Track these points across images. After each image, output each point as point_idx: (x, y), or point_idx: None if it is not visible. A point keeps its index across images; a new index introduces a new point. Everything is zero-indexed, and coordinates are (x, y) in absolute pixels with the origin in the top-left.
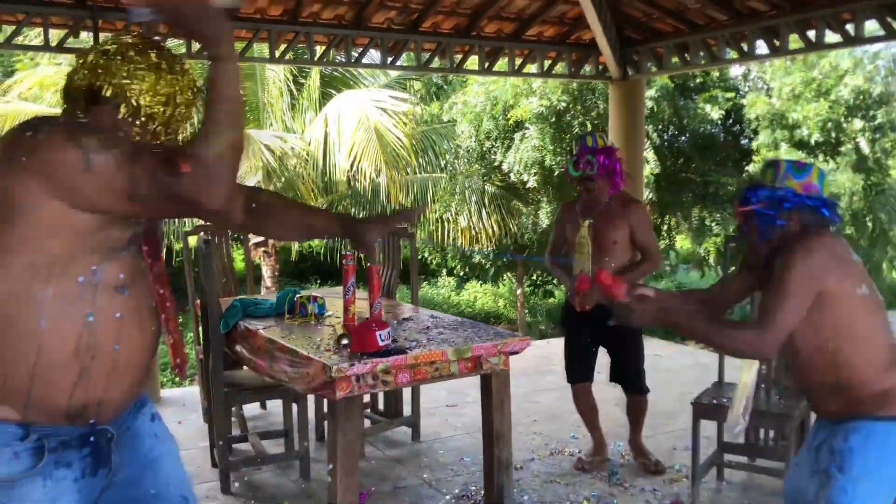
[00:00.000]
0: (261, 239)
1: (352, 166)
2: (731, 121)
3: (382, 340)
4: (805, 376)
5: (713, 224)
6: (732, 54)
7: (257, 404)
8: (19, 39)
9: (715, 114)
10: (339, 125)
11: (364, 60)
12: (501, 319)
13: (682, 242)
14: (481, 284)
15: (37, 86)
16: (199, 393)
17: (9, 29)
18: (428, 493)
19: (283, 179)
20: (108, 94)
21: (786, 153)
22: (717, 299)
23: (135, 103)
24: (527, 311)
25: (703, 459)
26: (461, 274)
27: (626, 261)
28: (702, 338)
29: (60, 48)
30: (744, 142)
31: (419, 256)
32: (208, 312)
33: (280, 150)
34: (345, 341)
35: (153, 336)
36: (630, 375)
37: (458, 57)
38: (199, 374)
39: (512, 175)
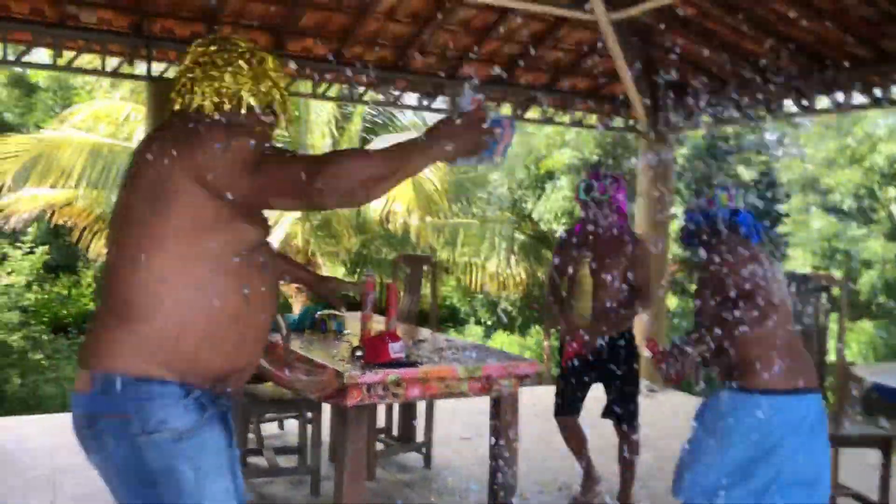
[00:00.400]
0: None
1: (384, 207)
2: (763, 184)
3: (395, 353)
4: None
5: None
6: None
7: (275, 424)
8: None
9: (748, 175)
10: None
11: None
12: (528, 376)
13: None
14: (508, 335)
15: (91, 117)
16: None
17: (69, 55)
18: None
19: (319, 217)
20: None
21: (817, 217)
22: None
23: (249, 102)
24: (553, 364)
25: None
26: (489, 323)
27: (622, 297)
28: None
29: (116, 74)
30: (776, 205)
31: (448, 302)
32: None
33: None
34: (359, 353)
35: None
36: (625, 411)
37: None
38: None
39: (542, 223)
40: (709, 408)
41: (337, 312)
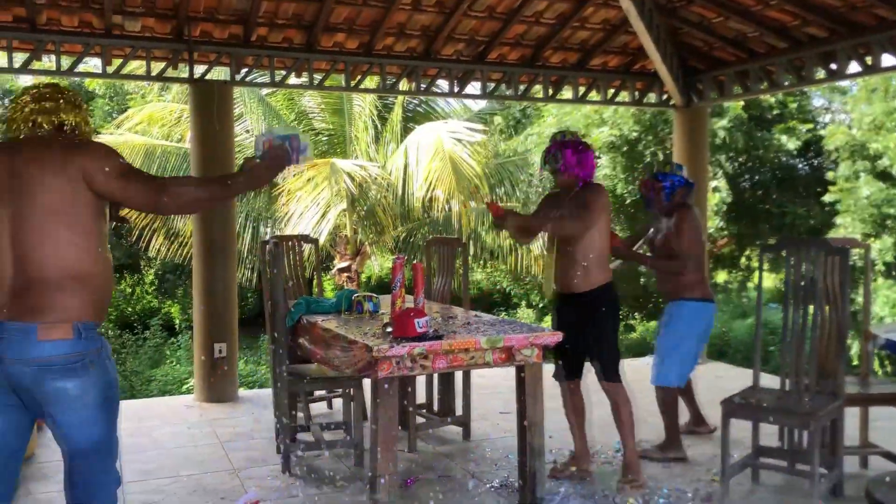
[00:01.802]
0: (345, 264)
1: (427, 194)
2: (810, 152)
3: (420, 327)
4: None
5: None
6: (790, 80)
7: (324, 404)
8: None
9: (792, 145)
10: (417, 155)
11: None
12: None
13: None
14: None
15: (146, 120)
16: (272, 391)
17: (117, 62)
18: (470, 482)
19: (365, 207)
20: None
21: (866, 184)
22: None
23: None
24: None
25: (736, 461)
26: (540, 306)
27: (595, 249)
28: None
29: (161, 78)
30: (823, 173)
31: (499, 286)
32: (275, 306)
33: (360, 177)
34: (388, 329)
35: None
36: (597, 361)
37: (524, 87)
38: (272, 373)
39: None
40: (673, 315)
41: (372, 294)
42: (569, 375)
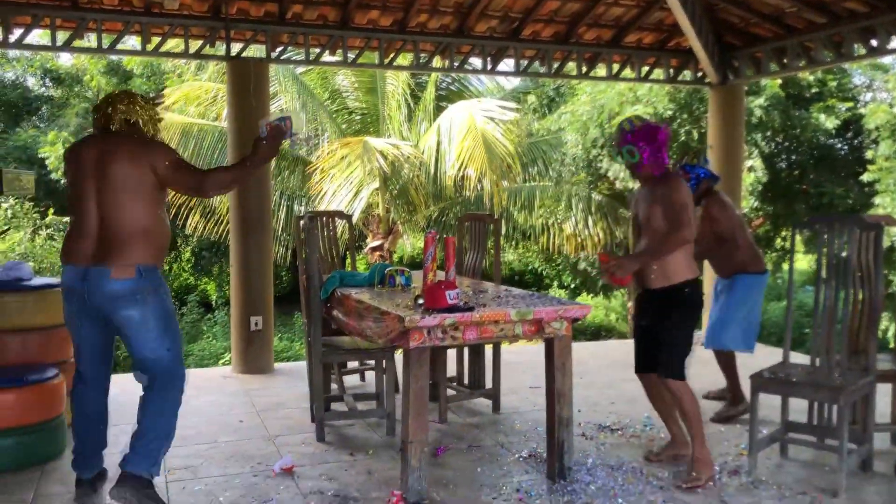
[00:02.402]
0: (377, 243)
1: (459, 173)
2: (849, 131)
3: (451, 299)
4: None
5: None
6: (829, 56)
7: (357, 376)
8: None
9: (830, 124)
10: (450, 134)
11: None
12: (613, 333)
13: (798, 262)
14: (592, 297)
15: (183, 99)
16: (307, 365)
17: (156, 40)
18: (499, 452)
19: (398, 186)
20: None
21: None
22: None
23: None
24: None
25: (765, 435)
26: (572, 286)
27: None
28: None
29: (198, 55)
30: (862, 152)
31: (531, 266)
32: (309, 279)
33: (393, 155)
34: (420, 301)
35: None
36: (660, 357)
37: (557, 64)
38: (307, 347)
39: (618, 182)
40: (735, 286)
41: (404, 268)
42: (644, 369)
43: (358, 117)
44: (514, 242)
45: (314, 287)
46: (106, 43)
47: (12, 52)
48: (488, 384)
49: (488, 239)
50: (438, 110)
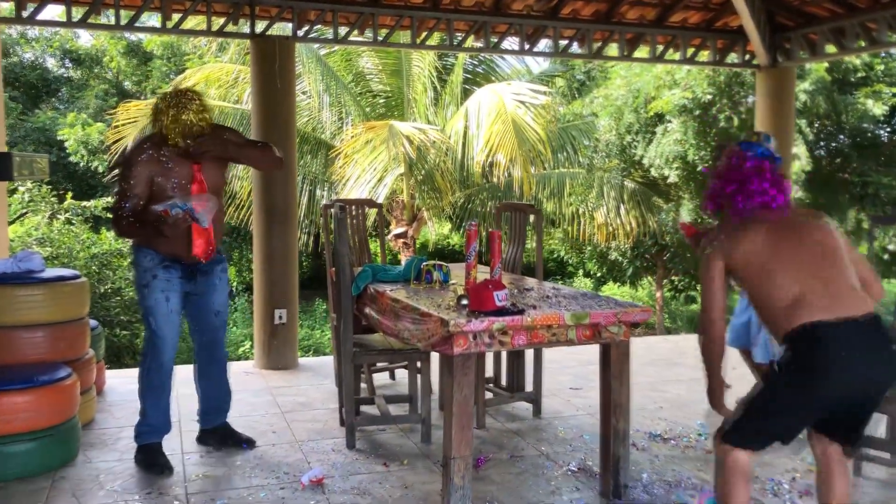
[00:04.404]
0: (401, 230)
1: (487, 159)
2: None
3: (500, 301)
4: None
5: (875, 229)
6: (893, 38)
7: (387, 374)
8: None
9: (878, 110)
10: (478, 118)
11: (503, 48)
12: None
13: None
14: (619, 286)
15: (203, 81)
16: (333, 361)
17: (176, 17)
18: (544, 464)
19: (423, 172)
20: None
21: None
22: None
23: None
24: (666, 316)
25: None
26: (598, 275)
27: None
28: None
29: (221, 33)
30: None
31: (555, 255)
32: (340, 273)
33: (419, 140)
34: (464, 301)
35: None
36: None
37: (598, 45)
38: (333, 343)
39: (652, 170)
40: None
41: (442, 263)
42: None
43: (382, 100)
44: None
45: (344, 282)
46: (124, 20)
47: (32, 33)
48: (527, 386)
49: (528, 231)
50: (465, 94)
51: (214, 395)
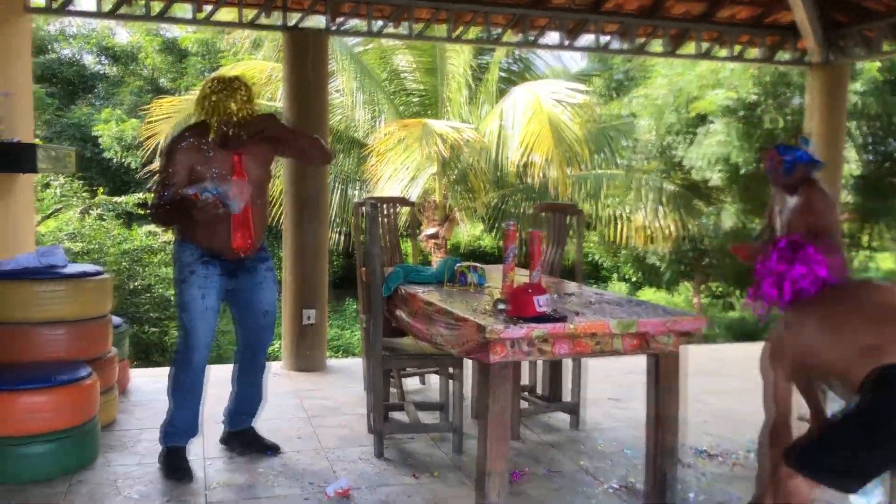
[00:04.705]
0: (433, 230)
1: (523, 159)
2: None
3: (540, 306)
4: None
5: None
6: None
7: (417, 379)
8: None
9: None
10: (514, 117)
11: (540, 44)
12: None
13: (884, 262)
14: (655, 291)
15: None
16: (362, 364)
17: (208, 8)
18: (584, 479)
19: (455, 171)
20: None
21: None
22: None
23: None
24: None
25: None
26: (633, 279)
27: None
28: None
29: (253, 25)
30: None
31: (590, 258)
32: (371, 274)
33: (453, 139)
34: (501, 305)
35: None
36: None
37: (641, 41)
38: (363, 344)
39: (694, 172)
40: None
41: (477, 264)
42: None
43: (416, 99)
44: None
45: (375, 283)
46: (155, 10)
47: (71, 29)
48: (566, 395)
49: (569, 232)
50: (501, 92)
51: (248, 399)
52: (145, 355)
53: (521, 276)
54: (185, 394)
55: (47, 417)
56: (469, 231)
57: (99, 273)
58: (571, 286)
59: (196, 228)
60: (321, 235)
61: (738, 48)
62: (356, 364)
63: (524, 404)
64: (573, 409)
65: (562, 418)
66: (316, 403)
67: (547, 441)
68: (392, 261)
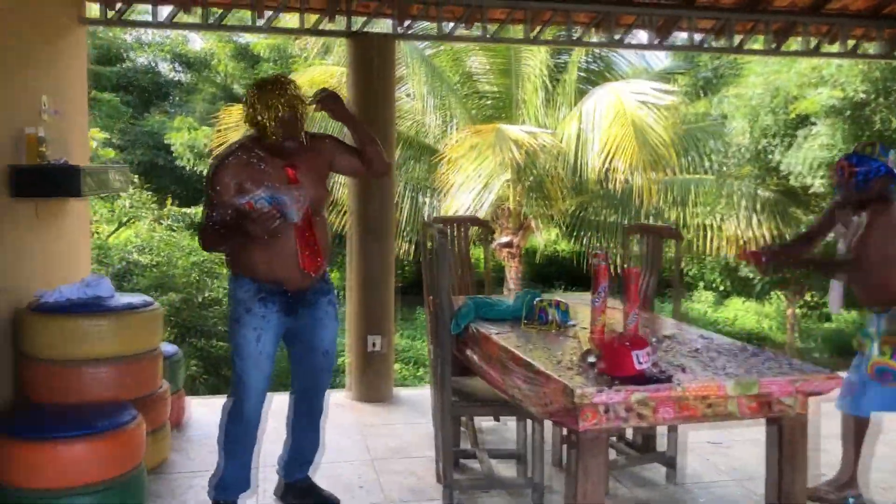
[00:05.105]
0: (506, 239)
1: (604, 164)
2: None
3: (640, 363)
4: None
5: None
6: None
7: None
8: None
9: None
10: (594, 120)
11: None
12: (766, 342)
13: None
14: (744, 301)
15: (308, 84)
16: (431, 394)
17: (268, 13)
18: None
19: (531, 178)
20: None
21: None
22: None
23: None
24: (797, 336)
25: None
26: (721, 288)
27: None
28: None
29: (315, 31)
30: None
31: (671, 265)
32: (439, 310)
33: (528, 144)
34: (591, 358)
35: None
36: None
37: (740, 38)
38: (432, 374)
39: (792, 178)
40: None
41: (560, 299)
42: None
43: (489, 102)
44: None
45: (444, 320)
46: (213, 18)
47: (146, 37)
48: (659, 440)
49: (663, 257)
50: (580, 93)
51: (304, 448)
52: (214, 370)
53: (612, 309)
54: (237, 446)
55: (88, 468)
56: (546, 237)
57: (147, 305)
58: (669, 325)
59: (255, 254)
60: (387, 257)
61: (851, 43)
62: (425, 396)
63: (612, 453)
64: (670, 462)
65: (656, 469)
66: (381, 443)
67: (640, 497)
68: (462, 284)
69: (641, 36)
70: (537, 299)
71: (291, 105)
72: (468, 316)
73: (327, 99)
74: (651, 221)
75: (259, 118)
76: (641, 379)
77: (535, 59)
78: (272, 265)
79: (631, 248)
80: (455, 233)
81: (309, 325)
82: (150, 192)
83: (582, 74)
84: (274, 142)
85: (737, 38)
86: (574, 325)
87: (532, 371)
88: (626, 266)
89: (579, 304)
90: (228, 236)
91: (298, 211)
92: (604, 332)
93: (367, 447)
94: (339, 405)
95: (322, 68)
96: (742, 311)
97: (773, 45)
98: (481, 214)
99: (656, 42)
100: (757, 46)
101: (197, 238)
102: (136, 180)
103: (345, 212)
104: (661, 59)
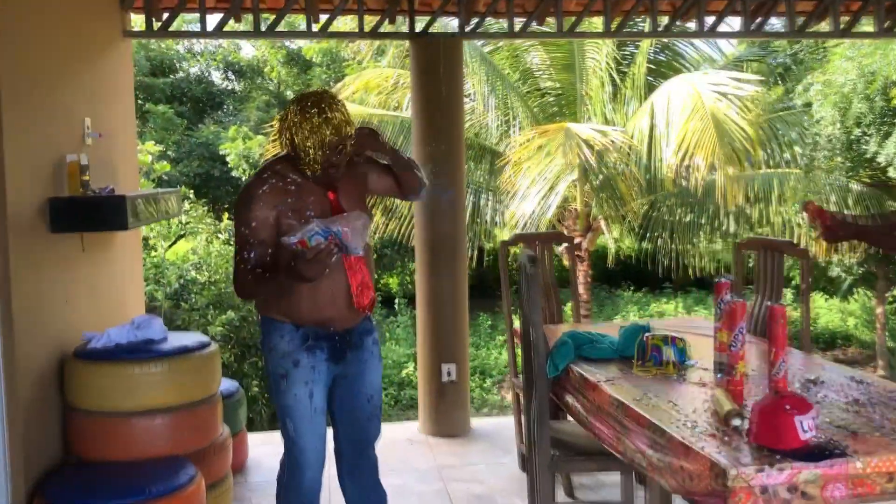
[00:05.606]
0: (575, 242)
1: (682, 161)
2: None
3: (806, 433)
4: None
5: None
6: None
7: None
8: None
9: None
10: (668, 114)
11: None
12: (851, 342)
13: None
14: (827, 300)
15: (362, 88)
16: (513, 428)
17: (323, 17)
18: None
19: (599, 177)
20: None
21: None
22: None
23: None
24: (887, 335)
25: None
26: (798, 285)
27: None
28: None
29: (375, 34)
30: None
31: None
32: (532, 348)
33: (599, 143)
34: (736, 421)
35: None
36: None
37: (846, 19)
38: (514, 409)
39: (891, 170)
40: None
41: (675, 335)
42: None
43: (552, 99)
44: (730, 234)
45: (539, 361)
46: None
47: (197, 47)
48: None
49: (783, 277)
50: (650, 88)
51: (365, 501)
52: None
53: (747, 351)
54: None
55: None
56: (616, 239)
57: (203, 346)
58: (802, 360)
59: (297, 293)
60: (459, 278)
61: None
62: (504, 425)
63: None
64: None
65: None
66: (462, 489)
67: None
68: (549, 311)
69: (734, 23)
70: (647, 334)
71: (339, 130)
72: (567, 356)
73: (368, 139)
74: (731, 220)
75: (298, 142)
76: (808, 452)
77: (601, 53)
78: (318, 304)
79: (740, 264)
80: (538, 252)
81: (355, 371)
82: (205, 205)
83: (649, 66)
84: (313, 169)
85: (843, 21)
86: (695, 365)
87: (662, 436)
88: (770, 308)
89: (700, 342)
90: (272, 281)
91: (362, 242)
92: (742, 384)
93: (449, 494)
94: (412, 441)
95: (377, 71)
96: (824, 309)
97: (886, 25)
98: (548, 217)
99: (751, 28)
100: (867, 28)
101: (233, 284)
102: (190, 195)
103: (401, 217)
104: (732, 45)
